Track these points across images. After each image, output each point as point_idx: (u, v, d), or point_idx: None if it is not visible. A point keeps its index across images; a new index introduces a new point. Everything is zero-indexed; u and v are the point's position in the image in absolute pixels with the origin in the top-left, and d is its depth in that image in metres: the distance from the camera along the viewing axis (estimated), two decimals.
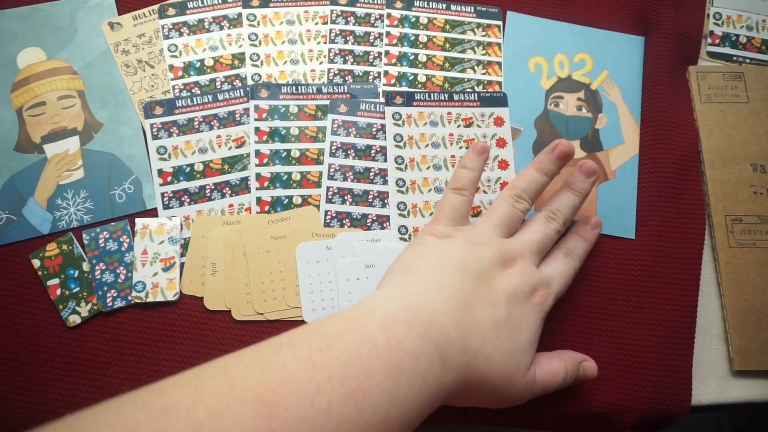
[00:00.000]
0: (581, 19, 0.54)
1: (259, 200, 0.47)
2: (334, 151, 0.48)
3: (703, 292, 0.48)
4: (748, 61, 0.55)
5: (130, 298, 0.44)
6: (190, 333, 0.43)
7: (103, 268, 0.44)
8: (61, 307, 0.43)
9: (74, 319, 0.43)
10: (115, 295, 0.44)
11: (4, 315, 0.43)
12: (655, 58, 0.52)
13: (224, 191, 0.47)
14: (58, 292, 0.44)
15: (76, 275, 0.44)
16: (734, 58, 0.55)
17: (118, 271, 0.44)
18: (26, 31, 0.49)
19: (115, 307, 0.43)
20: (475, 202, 0.48)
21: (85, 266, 0.44)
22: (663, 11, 0.53)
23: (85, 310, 0.43)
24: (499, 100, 0.51)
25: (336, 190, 0.47)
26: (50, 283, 0.44)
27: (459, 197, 0.42)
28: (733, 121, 0.52)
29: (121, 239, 0.45)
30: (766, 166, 0.51)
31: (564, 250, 0.44)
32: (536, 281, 0.40)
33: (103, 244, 0.45)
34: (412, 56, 0.52)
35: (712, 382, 0.46)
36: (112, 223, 0.45)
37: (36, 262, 0.44)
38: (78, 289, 0.44)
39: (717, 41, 0.55)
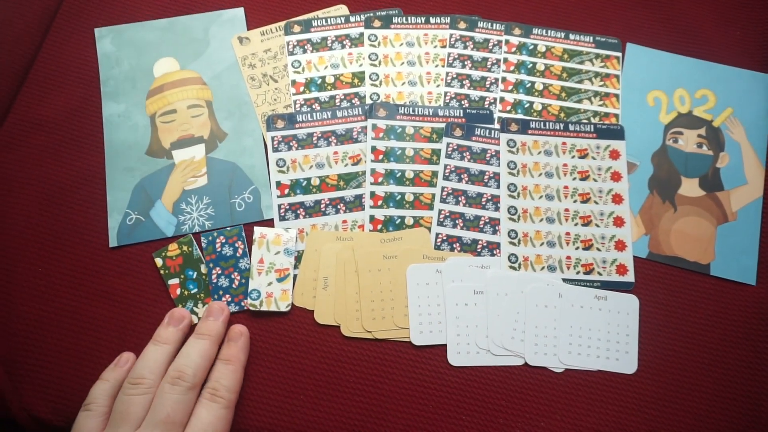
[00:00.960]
0: (704, 54, 0.53)
1: (372, 218, 0.47)
2: (447, 174, 0.48)
3: None
4: None
5: (243, 304, 0.45)
6: (299, 345, 0.44)
7: (219, 272, 0.46)
8: (180, 306, 0.45)
9: (192, 319, 0.45)
10: (230, 300, 0.45)
11: (129, 312, 0.45)
12: None
13: (339, 207, 0.48)
14: (178, 291, 0.45)
15: (194, 276, 0.46)
16: None
17: (233, 276, 0.46)
18: (163, 42, 0.51)
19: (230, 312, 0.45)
20: (586, 235, 0.47)
21: (203, 268, 0.46)
22: None
23: (201, 311, 0.45)
24: (615, 132, 0.50)
25: (448, 214, 0.48)
26: (171, 282, 0.46)
27: (85, 413, 0.39)
28: None
29: (236, 245, 0.47)
30: None
31: (208, 393, 0.39)
32: None
33: (219, 249, 0.46)
34: (529, 84, 0.51)
35: None
36: (228, 228, 0.47)
37: (159, 261, 0.46)
38: (196, 290, 0.46)
39: None
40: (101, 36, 0.51)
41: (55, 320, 0.44)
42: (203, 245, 0.46)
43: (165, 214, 0.47)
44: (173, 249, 0.46)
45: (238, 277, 0.46)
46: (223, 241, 0.47)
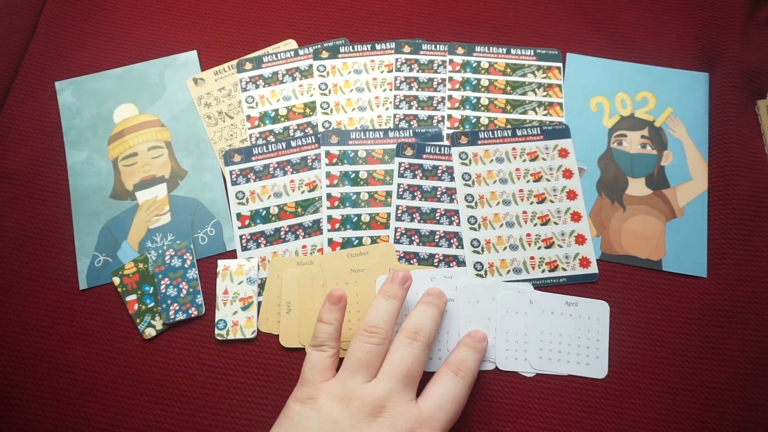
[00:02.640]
0: (642, 58, 0.55)
1: (330, 241, 0.49)
2: (401, 193, 0.50)
3: None
4: None
5: (191, 312, 0.46)
6: (266, 368, 0.46)
7: (168, 282, 0.47)
8: (138, 320, 0.47)
9: (149, 332, 0.46)
10: (177, 308, 0.47)
11: (102, 351, 0.46)
12: (722, 94, 0.52)
13: (298, 233, 0.49)
14: (136, 306, 0.47)
15: (150, 291, 0.47)
16: None
17: (180, 286, 0.47)
18: (121, 89, 0.54)
19: (177, 319, 0.46)
20: (546, 234, 0.49)
21: (163, 285, 0.47)
22: (729, 47, 0.53)
23: (159, 323, 0.46)
24: (561, 132, 0.52)
25: (404, 231, 0.49)
26: (129, 298, 0.47)
27: (318, 353, 0.40)
28: None
29: (185, 256, 0.48)
30: None
31: (453, 367, 0.41)
32: (412, 424, 0.37)
33: (168, 261, 0.48)
34: (475, 100, 0.53)
35: None
36: (177, 241, 0.49)
37: (116, 280, 0.48)
38: (153, 304, 0.47)
39: None
40: (62, 88, 0.54)
41: (32, 366, 0.46)
42: (153, 258, 0.48)
43: (131, 253, 0.49)
44: (129, 267, 0.48)
45: (186, 287, 0.47)
46: (173, 253, 0.48)
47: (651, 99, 0.54)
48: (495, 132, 0.52)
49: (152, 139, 0.52)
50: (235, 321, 0.47)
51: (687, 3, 0.57)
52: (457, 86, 0.54)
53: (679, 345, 0.46)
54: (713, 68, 0.53)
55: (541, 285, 0.48)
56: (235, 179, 0.51)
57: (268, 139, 0.52)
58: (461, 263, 0.48)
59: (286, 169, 0.51)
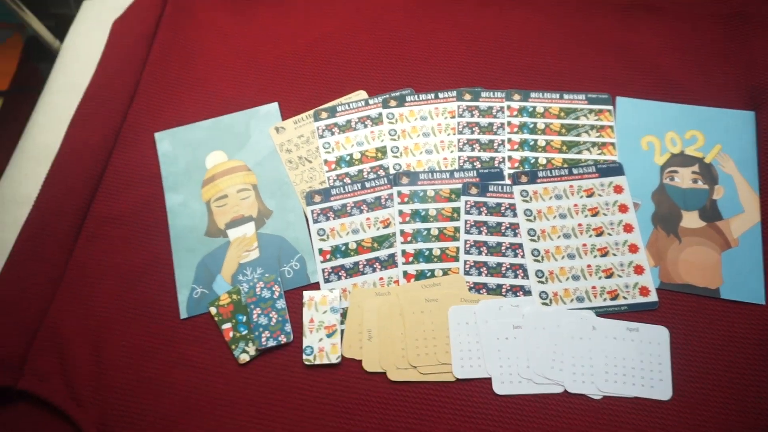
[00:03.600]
0: (689, 99, 0.59)
1: (405, 273, 0.53)
2: (468, 228, 0.54)
3: None
4: None
5: (280, 339, 0.51)
6: (351, 391, 0.49)
7: (259, 312, 0.52)
8: (233, 347, 0.51)
9: (244, 357, 0.51)
10: (268, 335, 0.51)
11: (200, 375, 0.51)
12: None
13: (375, 266, 0.54)
14: (231, 334, 0.52)
15: (244, 320, 0.52)
16: None
17: (270, 315, 0.52)
18: (212, 138, 0.60)
19: (268, 346, 0.51)
20: (606, 265, 0.52)
21: (255, 315, 0.52)
22: None
23: (252, 349, 0.51)
24: (615, 169, 0.56)
25: (472, 263, 0.53)
26: (224, 326, 0.52)
27: None
28: None
29: (273, 288, 0.53)
30: None
31: None
32: None
33: (259, 292, 0.53)
34: (532, 142, 0.58)
35: None
36: (266, 275, 0.54)
37: (213, 310, 0.53)
38: (246, 331, 0.52)
39: None
40: (161, 139, 0.60)
41: (138, 388, 0.50)
42: (245, 290, 0.53)
43: (225, 285, 0.54)
44: (224, 298, 0.53)
45: (276, 316, 0.52)
46: (262, 285, 0.53)
47: (700, 137, 0.57)
48: (553, 171, 0.56)
49: (240, 182, 0.58)
50: (321, 347, 0.51)
51: (729, 46, 0.61)
52: (515, 130, 0.59)
53: (741, 368, 0.48)
54: (760, 107, 0.57)
55: (604, 312, 0.51)
56: (316, 218, 0.56)
57: (345, 180, 0.57)
58: (527, 293, 0.52)
59: (362, 207, 0.56)
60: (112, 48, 0.64)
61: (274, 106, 0.61)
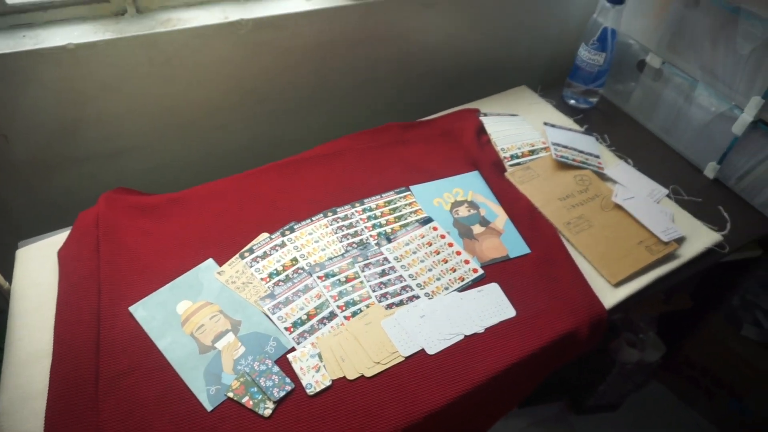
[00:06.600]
0: (446, 175, 1.04)
1: (345, 317, 0.81)
2: (368, 278, 0.86)
3: (576, 260, 0.91)
4: (528, 161, 1.08)
5: (286, 388, 0.73)
6: (346, 394, 0.73)
7: (264, 379, 0.74)
8: (256, 409, 0.71)
9: (267, 412, 0.71)
10: (277, 390, 0.73)
11: None
12: (490, 176, 1.03)
13: (324, 322, 0.81)
14: (251, 403, 0.72)
15: (255, 390, 0.73)
16: (521, 163, 1.08)
17: (272, 378, 0.74)
18: (175, 295, 0.83)
19: (279, 397, 0.72)
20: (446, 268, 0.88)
21: (262, 382, 0.73)
22: (478, 156, 1.06)
23: (270, 404, 0.71)
24: (428, 219, 0.96)
25: (380, 296, 0.84)
26: (244, 400, 0.72)
27: None
28: (537, 186, 1.02)
29: (266, 362, 0.75)
30: (564, 198, 1.00)
31: None
32: None
33: (257, 368, 0.75)
34: (378, 223, 0.95)
35: (608, 296, 0.87)
36: (258, 356, 0.76)
37: (230, 394, 0.72)
38: (261, 396, 0.72)
39: (509, 159, 1.08)
40: (135, 310, 0.81)
41: None
42: (247, 369, 0.74)
43: (231, 377, 0.74)
44: (235, 384, 0.73)
45: (275, 377, 0.74)
46: (258, 364, 0.75)
47: (461, 191, 1.02)
48: (397, 233, 0.93)
49: (209, 313, 0.81)
50: (316, 380, 0.74)
51: (452, 147, 1.10)
52: (366, 221, 0.95)
53: (538, 284, 0.87)
54: (478, 167, 1.05)
55: (461, 289, 0.86)
56: (273, 310, 0.81)
57: (279, 284, 0.85)
58: (417, 297, 0.85)
59: (298, 294, 0.84)
60: (67, 266, 0.85)
61: (210, 261, 0.88)
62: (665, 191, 1.06)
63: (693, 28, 1.07)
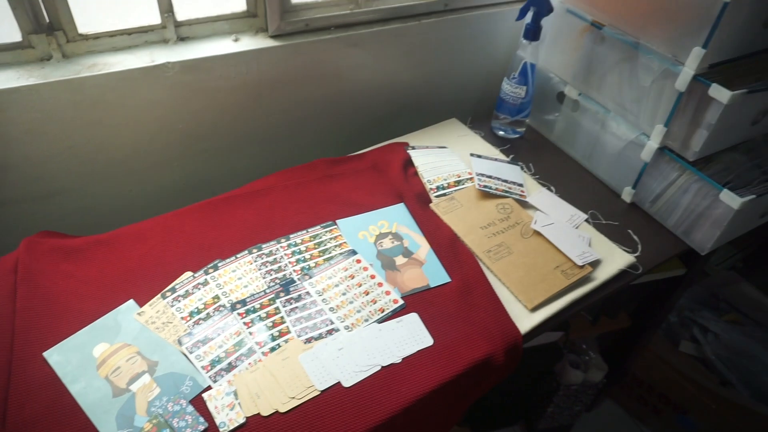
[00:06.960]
0: (372, 208, 1.07)
1: (263, 353, 0.82)
2: (288, 313, 0.88)
3: (495, 287, 0.94)
4: (454, 191, 1.11)
5: (199, 428, 0.73)
6: (262, 430, 0.74)
7: (177, 420, 0.74)
8: None
9: None
10: (190, 430, 0.73)
11: None
12: (414, 208, 1.06)
13: (242, 359, 0.81)
14: None
15: (168, 431, 0.73)
16: (446, 194, 1.11)
17: (186, 419, 0.74)
18: (92, 338, 0.82)
19: None
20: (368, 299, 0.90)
21: (174, 423, 0.73)
22: (404, 188, 1.09)
23: None
24: (352, 252, 0.98)
25: (300, 330, 0.85)
26: None
27: None
28: (460, 215, 1.05)
29: (180, 402, 0.76)
30: (486, 227, 1.03)
31: None
32: None
33: (171, 409, 0.75)
34: (303, 258, 0.97)
35: (525, 321, 0.89)
36: (172, 397, 0.76)
37: None
38: None
39: (435, 190, 1.12)
40: (49, 355, 0.80)
41: None
42: (160, 410, 0.74)
43: (144, 419, 0.74)
44: (147, 426, 0.73)
45: (189, 418, 0.74)
46: (172, 405, 0.75)
47: (386, 223, 1.04)
48: (321, 267, 0.95)
49: (126, 355, 0.81)
50: (230, 419, 0.75)
51: (378, 181, 1.13)
52: (290, 256, 0.97)
53: (444, 312, 0.89)
54: (403, 199, 1.08)
55: (381, 320, 0.88)
56: (191, 349, 0.82)
57: (200, 322, 0.86)
58: (336, 330, 0.86)
59: (219, 332, 0.84)
60: None
61: (131, 302, 0.88)
62: (584, 216, 1.10)
63: (602, 62, 1.13)
